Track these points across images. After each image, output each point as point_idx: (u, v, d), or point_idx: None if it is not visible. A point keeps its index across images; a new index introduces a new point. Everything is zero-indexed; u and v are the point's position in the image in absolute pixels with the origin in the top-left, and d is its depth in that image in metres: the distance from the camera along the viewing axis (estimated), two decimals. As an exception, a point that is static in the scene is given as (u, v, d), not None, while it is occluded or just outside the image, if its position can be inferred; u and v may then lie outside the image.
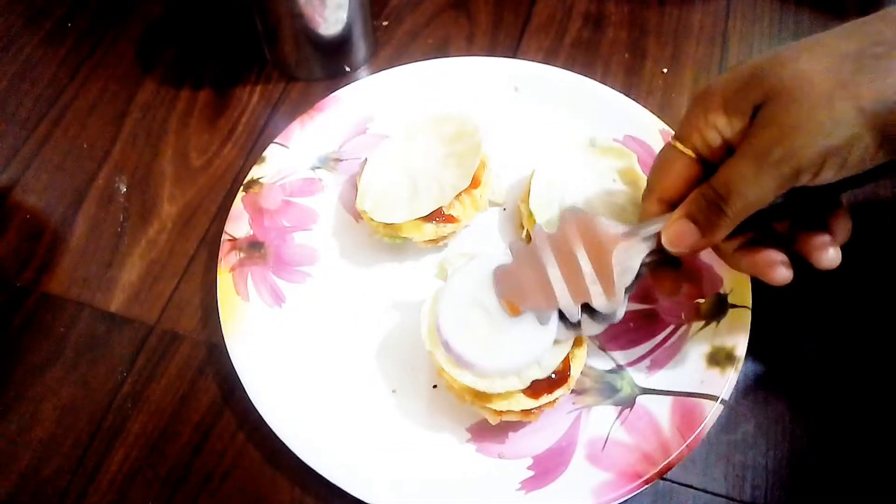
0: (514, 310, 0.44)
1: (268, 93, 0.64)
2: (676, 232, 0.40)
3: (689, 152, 0.41)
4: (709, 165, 0.40)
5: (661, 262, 0.43)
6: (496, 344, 0.43)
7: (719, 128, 0.39)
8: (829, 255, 0.40)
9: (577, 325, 0.43)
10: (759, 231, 0.41)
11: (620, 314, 0.43)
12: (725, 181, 0.37)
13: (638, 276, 0.42)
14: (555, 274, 0.43)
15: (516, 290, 0.44)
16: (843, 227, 0.41)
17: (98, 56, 0.66)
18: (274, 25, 0.60)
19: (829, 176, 0.36)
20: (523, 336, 0.43)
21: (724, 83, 0.39)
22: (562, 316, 0.43)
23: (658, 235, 0.41)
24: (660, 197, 0.42)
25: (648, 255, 0.42)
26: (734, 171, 0.37)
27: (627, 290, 0.42)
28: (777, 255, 0.41)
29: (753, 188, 0.36)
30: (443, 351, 0.45)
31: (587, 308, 0.43)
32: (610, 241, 0.42)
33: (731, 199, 0.37)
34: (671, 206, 0.42)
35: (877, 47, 0.34)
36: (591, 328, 0.43)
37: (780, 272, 0.41)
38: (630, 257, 0.42)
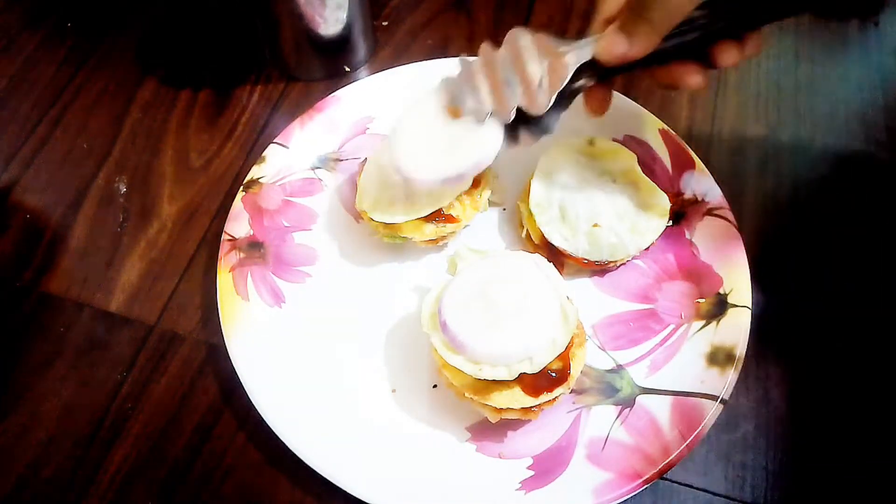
0: (454, 113, 0.47)
1: (268, 93, 0.64)
2: (608, 42, 0.42)
3: None
4: None
5: (598, 82, 0.45)
6: (492, 333, 0.44)
7: None
8: (730, 55, 0.43)
9: (515, 137, 0.47)
10: (689, 54, 0.43)
11: (553, 125, 0.46)
12: None
13: (577, 92, 0.45)
14: (492, 81, 0.46)
15: (457, 97, 0.47)
16: (755, 41, 0.43)
17: (98, 56, 0.66)
18: (274, 25, 0.60)
19: None
20: (519, 331, 0.44)
21: None
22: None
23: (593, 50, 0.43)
24: (606, 18, 0.44)
25: (589, 77, 0.45)
26: None
27: (560, 104, 0.45)
28: (690, 65, 0.43)
29: None
30: (440, 334, 0.45)
31: (523, 120, 0.46)
32: (546, 54, 0.44)
33: (652, 7, 0.40)
34: None
35: None
36: (527, 138, 0.46)
37: (694, 78, 0.43)
38: (563, 66, 0.44)
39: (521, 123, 0.46)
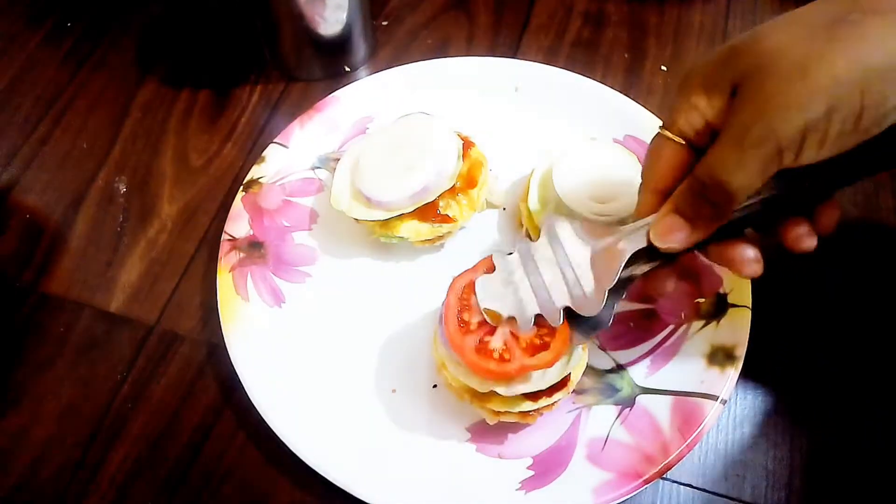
0: (495, 318, 0.43)
1: (268, 93, 0.64)
2: (664, 227, 0.38)
3: (677, 139, 0.38)
4: (701, 151, 0.37)
5: (657, 265, 0.41)
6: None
7: (700, 109, 0.37)
8: (805, 242, 0.39)
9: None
10: (756, 227, 0.40)
11: (607, 320, 0.41)
12: (708, 168, 0.35)
13: (631, 280, 0.41)
14: (535, 280, 0.42)
15: (496, 298, 0.43)
16: (829, 215, 0.39)
17: (98, 56, 0.66)
18: (274, 25, 0.60)
19: (811, 155, 0.34)
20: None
21: (704, 62, 0.37)
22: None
23: (648, 235, 0.39)
24: (653, 188, 0.40)
25: (645, 261, 0.41)
26: (716, 156, 0.35)
27: (615, 293, 0.41)
28: (748, 249, 0.39)
29: (737, 174, 0.34)
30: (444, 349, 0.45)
31: (574, 317, 0.42)
32: (592, 243, 0.41)
33: (716, 187, 0.35)
34: (666, 196, 0.40)
35: (851, 14, 0.32)
36: (579, 336, 0.42)
37: (751, 267, 0.39)
38: (612, 258, 0.40)
39: (571, 319, 0.41)
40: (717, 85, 0.36)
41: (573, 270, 0.41)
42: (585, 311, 0.40)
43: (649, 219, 0.40)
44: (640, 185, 0.41)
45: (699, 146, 0.38)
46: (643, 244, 0.39)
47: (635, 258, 0.40)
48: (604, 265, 0.40)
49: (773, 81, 0.33)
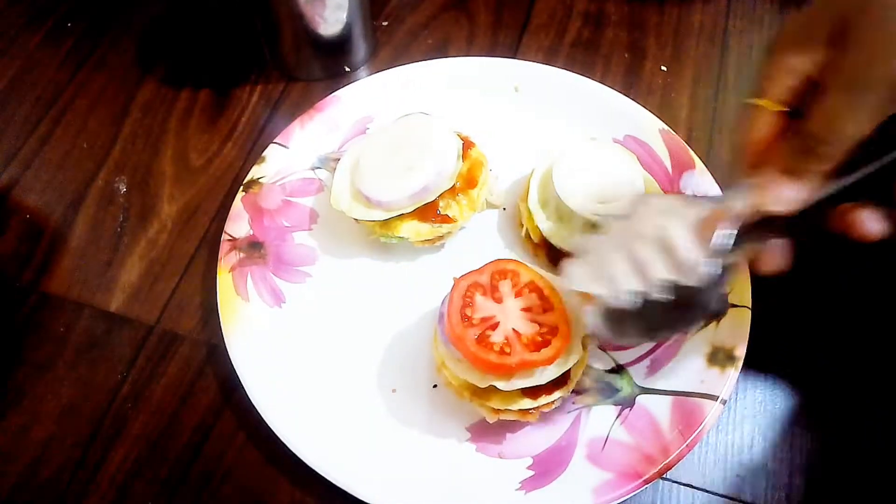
0: (587, 300, 0.42)
1: (268, 93, 0.64)
2: (775, 189, 0.36)
3: (774, 105, 0.37)
4: (797, 114, 0.36)
5: (763, 241, 0.39)
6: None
7: (796, 67, 0.35)
8: None
9: (672, 323, 0.42)
10: (870, 192, 0.37)
11: (723, 305, 0.41)
12: (819, 121, 0.34)
13: (737, 261, 0.40)
14: (629, 255, 0.41)
15: (588, 279, 0.42)
16: None
17: (98, 56, 0.66)
18: (274, 25, 0.60)
19: None
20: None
21: (793, 21, 0.36)
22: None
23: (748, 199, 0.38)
24: (753, 161, 0.38)
25: (750, 238, 0.39)
26: (826, 106, 0.33)
27: (723, 277, 0.39)
28: (867, 210, 0.37)
29: (851, 121, 0.32)
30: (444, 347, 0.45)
31: (690, 305, 0.40)
32: (688, 212, 0.40)
33: (828, 138, 0.33)
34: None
35: None
36: (696, 324, 0.42)
37: (873, 227, 0.37)
38: (711, 224, 0.39)
39: (686, 307, 0.41)
40: (814, 37, 0.34)
41: (669, 241, 0.39)
42: (686, 279, 0.39)
43: (749, 182, 0.38)
44: (737, 160, 0.40)
45: (796, 108, 0.36)
46: (745, 208, 0.38)
47: (739, 238, 0.39)
48: (704, 233, 0.39)
49: (885, 16, 0.31)
